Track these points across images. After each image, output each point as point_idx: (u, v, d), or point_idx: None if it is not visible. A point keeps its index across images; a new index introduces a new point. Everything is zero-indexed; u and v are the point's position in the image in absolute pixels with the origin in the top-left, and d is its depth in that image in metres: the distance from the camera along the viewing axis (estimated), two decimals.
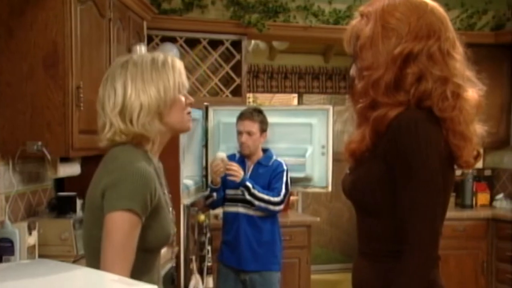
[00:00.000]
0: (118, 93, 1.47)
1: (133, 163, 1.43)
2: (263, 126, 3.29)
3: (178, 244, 2.90)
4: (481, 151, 1.44)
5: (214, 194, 3.21)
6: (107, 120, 1.50)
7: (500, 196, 4.78)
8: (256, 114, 3.29)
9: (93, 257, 1.47)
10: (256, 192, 3.14)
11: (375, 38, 1.39)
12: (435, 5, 1.42)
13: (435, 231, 1.32)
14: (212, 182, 3.18)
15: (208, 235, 3.48)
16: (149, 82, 1.47)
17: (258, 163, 3.30)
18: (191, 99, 1.59)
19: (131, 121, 1.47)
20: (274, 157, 3.34)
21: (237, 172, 3.14)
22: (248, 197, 3.15)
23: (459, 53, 1.40)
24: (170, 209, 1.62)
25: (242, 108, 3.50)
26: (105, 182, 1.44)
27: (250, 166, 3.29)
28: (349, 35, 1.47)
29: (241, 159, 3.32)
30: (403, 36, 1.36)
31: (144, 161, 1.47)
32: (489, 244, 4.46)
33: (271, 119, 3.43)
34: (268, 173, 3.28)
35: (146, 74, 1.48)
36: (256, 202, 3.16)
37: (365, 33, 1.40)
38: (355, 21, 1.46)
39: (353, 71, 1.50)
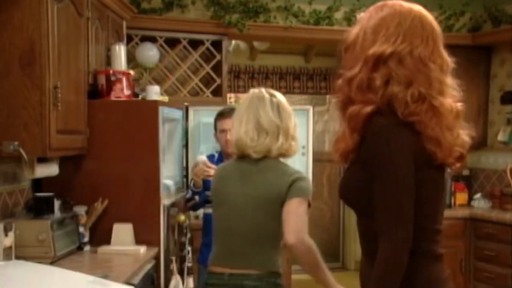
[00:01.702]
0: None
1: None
2: None
3: (158, 244, 2.88)
4: (464, 153, 1.49)
5: (196, 197, 3.18)
6: (281, 139, 2.14)
7: (478, 195, 4.85)
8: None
9: (266, 241, 2.09)
10: None
11: (356, 40, 1.48)
12: (423, 13, 1.48)
13: (402, 225, 1.38)
14: (194, 185, 3.15)
15: (189, 235, 3.45)
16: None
17: None
18: None
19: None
20: None
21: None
22: None
23: (436, 62, 1.44)
24: None
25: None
26: (291, 179, 2.08)
27: None
28: (343, 39, 1.56)
29: (220, 159, 3.31)
30: (378, 39, 1.43)
31: None
32: (467, 243, 4.52)
33: None
34: None
35: None
36: None
37: (350, 36, 1.50)
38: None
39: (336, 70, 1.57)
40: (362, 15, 1.52)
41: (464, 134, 1.49)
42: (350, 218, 6.21)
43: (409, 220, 1.39)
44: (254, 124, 2.13)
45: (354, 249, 6.12)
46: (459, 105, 1.47)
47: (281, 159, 2.18)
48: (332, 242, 6.33)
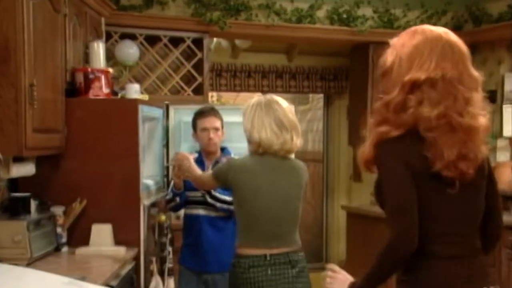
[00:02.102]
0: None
1: None
2: (223, 123, 3.28)
3: (138, 245, 2.86)
4: (467, 171, 1.64)
5: (177, 199, 3.17)
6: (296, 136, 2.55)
7: None
8: (216, 111, 3.28)
9: (298, 223, 2.58)
10: (217, 194, 3.13)
11: (393, 67, 1.67)
12: (451, 38, 1.66)
13: (399, 217, 1.61)
14: (174, 186, 3.13)
15: (169, 235, 3.44)
16: None
17: (217, 162, 3.28)
18: None
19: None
20: (232, 155, 3.32)
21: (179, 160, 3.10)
22: (209, 200, 3.13)
23: (464, 82, 1.63)
24: None
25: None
26: (307, 175, 2.64)
27: (209, 165, 3.27)
28: (380, 64, 1.75)
29: (200, 159, 3.30)
30: (413, 66, 1.63)
31: None
32: None
33: (229, 118, 3.44)
34: None
35: None
36: (218, 204, 3.15)
37: (387, 62, 1.69)
38: (387, 51, 1.73)
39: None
40: (395, 41, 1.71)
41: (484, 149, 1.66)
42: (333, 218, 6.23)
43: (407, 213, 1.60)
44: (277, 124, 2.50)
45: (338, 249, 6.14)
46: (484, 120, 1.65)
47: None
48: (315, 242, 6.35)
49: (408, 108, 1.62)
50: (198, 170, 2.90)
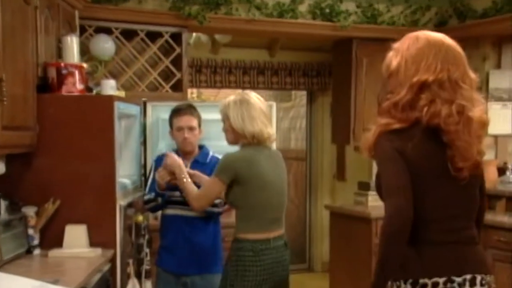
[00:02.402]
0: None
1: None
2: (200, 121, 3.27)
3: (114, 246, 2.85)
4: (480, 161, 1.86)
5: (159, 199, 3.15)
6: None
7: None
8: (194, 109, 3.26)
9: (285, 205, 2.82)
10: None
11: (399, 69, 1.86)
12: (451, 43, 1.88)
13: (393, 195, 1.79)
14: (158, 186, 3.11)
15: (147, 236, 3.43)
16: None
17: (195, 161, 3.27)
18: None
19: None
20: (211, 153, 3.31)
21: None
22: None
23: (469, 81, 1.86)
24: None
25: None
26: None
27: (187, 165, 3.25)
28: (383, 65, 1.95)
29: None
30: (420, 68, 1.83)
31: None
32: None
33: (209, 115, 3.42)
34: (207, 171, 3.25)
35: None
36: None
37: (393, 64, 1.89)
38: (390, 53, 1.93)
39: (381, 93, 1.97)
40: (398, 45, 1.91)
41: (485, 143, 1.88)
42: (317, 218, 6.26)
43: (400, 191, 1.78)
44: (265, 117, 2.74)
45: (321, 250, 6.17)
46: (485, 115, 1.86)
47: None
48: (299, 242, 6.36)
49: (418, 106, 1.82)
50: (191, 184, 2.91)
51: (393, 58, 1.89)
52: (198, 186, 2.96)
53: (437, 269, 1.80)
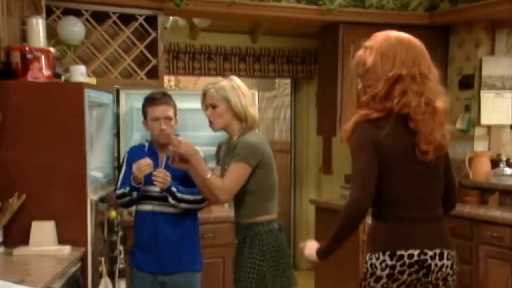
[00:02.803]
0: None
1: None
2: (176, 110, 3.26)
3: (85, 244, 2.84)
4: (444, 143, 2.26)
5: (135, 193, 3.13)
6: None
7: None
8: (169, 97, 3.25)
9: None
10: (180, 195, 3.11)
11: (376, 64, 2.21)
12: (417, 41, 2.28)
13: (357, 186, 2.20)
14: (134, 179, 3.08)
15: (120, 233, 3.43)
16: None
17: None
18: (207, 113, 2.97)
19: None
20: None
21: (164, 179, 3.06)
22: (172, 201, 3.11)
23: (433, 74, 2.25)
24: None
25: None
26: None
27: (163, 157, 3.24)
28: (355, 63, 2.30)
29: (152, 150, 3.26)
30: (395, 63, 2.19)
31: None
32: None
33: (186, 104, 3.41)
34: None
35: None
36: (181, 205, 3.13)
37: (369, 61, 2.23)
38: (361, 51, 2.29)
39: (358, 86, 2.33)
40: (371, 43, 2.26)
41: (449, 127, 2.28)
42: (302, 212, 6.28)
43: (364, 183, 2.17)
44: (253, 100, 3.01)
45: None
46: (448, 105, 2.26)
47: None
48: None
49: (393, 97, 2.18)
50: (214, 175, 2.84)
51: (367, 55, 2.23)
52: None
53: (412, 242, 2.19)
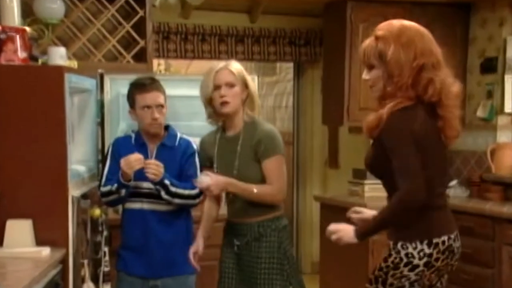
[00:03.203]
0: None
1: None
2: (165, 97, 3.25)
3: (66, 245, 2.84)
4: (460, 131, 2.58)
5: (123, 191, 3.12)
6: None
7: (454, 183, 4.97)
8: (159, 83, 3.24)
9: None
10: (174, 189, 3.11)
11: (398, 56, 2.43)
12: (424, 29, 2.53)
13: (410, 178, 2.40)
14: (122, 176, 3.07)
15: (105, 233, 3.44)
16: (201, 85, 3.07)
17: (162, 145, 3.25)
18: (221, 92, 2.96)
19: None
20: (179, 135, 3.30)
21: (157, 169, 3.06)
22: (165, 196, 3.12)
23: (444, 64, 2.51)
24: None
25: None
26: None
27: (153, 149, 3.24)
28: (365, 52, 2.53)
29: (140, 142, 3.25)
30: (416, 53, 2.44)
31: (206, 135, 3.20)
32: None
33: (177, 91, 3.41)
34: (177, 157, 3.25)
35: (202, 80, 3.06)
36: (175, 200, 3.14)
37: (389, 53, 2.44)
38: (371, 41, 2.51)
39: (365, 76, 2.58)
40: (384, 33, 2.47)
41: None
42: (305, 211, 6.29)
43: (417, 174, 2.40)
44: None
45: (310, 248, 6.21)
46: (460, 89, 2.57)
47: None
48: None
49: (420, 86, 2.43)
50: (258, 187, 3.00)
51: (386, 46, 2.45)
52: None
53: (442, 229, 2.50)
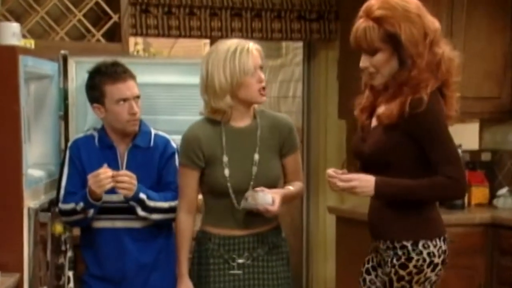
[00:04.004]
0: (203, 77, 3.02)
1: (186, 131, 3.09)
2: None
3: (20, 269, 2.86)
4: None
5: (91, 211, 3.12)
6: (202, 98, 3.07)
7: (504, 191, 4.97)
8: (129, 70, 3.22)
9: None
10: (152, 204, 3.13)
11: (412, 35, 2.65)
12: (419, 4, 2.74)
13: (461, 166, 2.77)
14: (90, 195, 3.06)
15: (69, 254, 3.45)
16: (220, 68, 2.94)
17: (135, 147, 3.25)
18: (261, 77, 3.05)
19: (210, 98, 3.00)
20: (153, 132, 3.29)
21: (130, 182, 3.07)
22: (141, 213, 3.13)
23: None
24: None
25: (122, 59, 3.42)
26: None
27: (124, 153, 3.23)
28: (362, 37, 2.76)
29: (106, 143, 3.25)
30: (427, 29, 2.68)
31: (196, 129, 3.06)
32: (488, 261, 4.65)
33: (158, 77, 3.41)
34: (153, 160, 3.25)
35: (220, 62, 2.95)
36: (153, 216, 3.14)
37: (403, 32, 2.64)
38: (365, 23, 2.76)
39: (365, 63, 2.79)
40: (387, 13, 2.66)
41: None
42: (318, 224, 6.28)
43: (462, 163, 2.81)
44: None
45: (324, 269, 6.19)
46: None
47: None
48: (292, 259, 6.36)
49: (433, 64, 2.67)
50: (290, 189, 3.15)
51: (395, 27, 2.63)
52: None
53: (443, 224, 2.80)
